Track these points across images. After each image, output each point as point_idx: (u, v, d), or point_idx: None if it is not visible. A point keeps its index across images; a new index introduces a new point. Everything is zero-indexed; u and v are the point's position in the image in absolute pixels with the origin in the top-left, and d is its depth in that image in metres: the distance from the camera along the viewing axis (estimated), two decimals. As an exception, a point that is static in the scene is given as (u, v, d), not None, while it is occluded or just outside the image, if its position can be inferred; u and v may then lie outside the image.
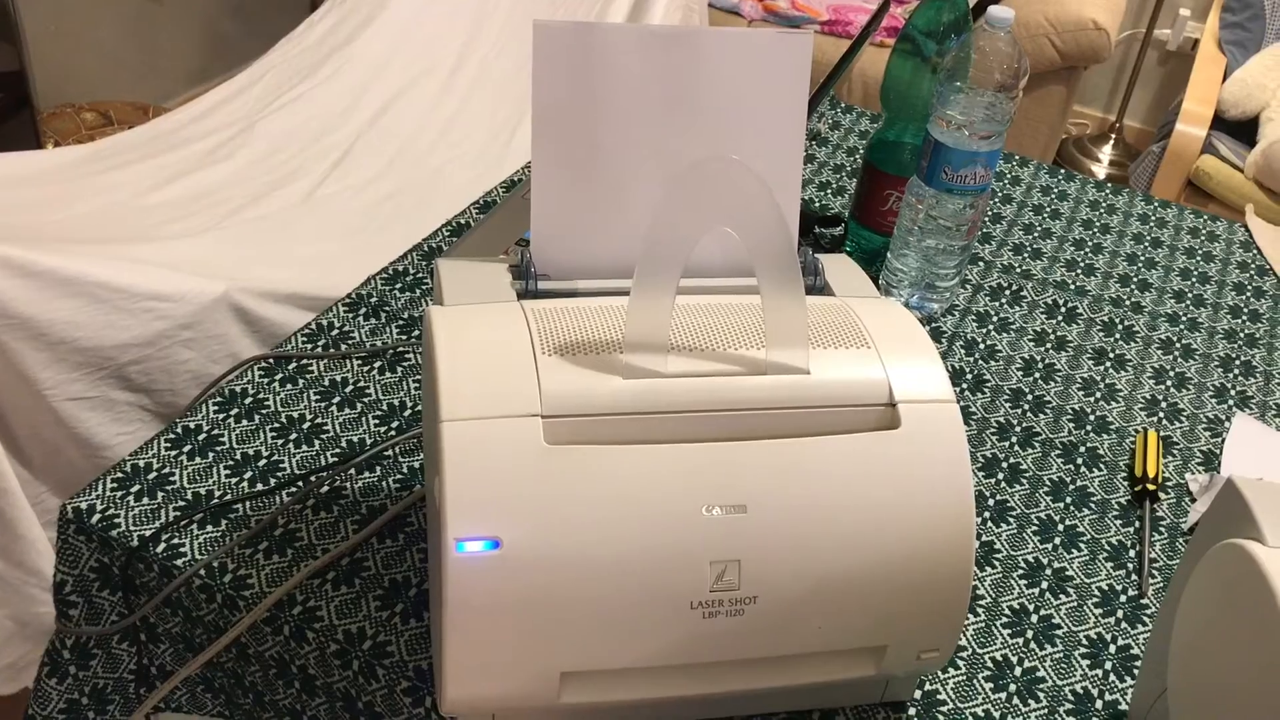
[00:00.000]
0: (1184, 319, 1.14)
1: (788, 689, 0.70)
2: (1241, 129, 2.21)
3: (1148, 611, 0.81)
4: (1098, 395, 1.02)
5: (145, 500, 0.79)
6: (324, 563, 0.76)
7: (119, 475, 0.81)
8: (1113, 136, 2.96)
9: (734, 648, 0.63)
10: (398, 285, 1.03)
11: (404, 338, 0.97)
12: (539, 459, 0.60)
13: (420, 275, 1.05)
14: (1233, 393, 1.04)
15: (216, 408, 0.88)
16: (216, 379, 0.92)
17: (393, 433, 0.87)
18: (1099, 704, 0.75)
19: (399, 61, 1.74)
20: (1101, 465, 0.94)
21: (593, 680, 0.62)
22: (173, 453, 0.83)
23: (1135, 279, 1.19)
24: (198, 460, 0.83)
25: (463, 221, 1.13)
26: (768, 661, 0.65)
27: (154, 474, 0.81)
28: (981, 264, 1.18)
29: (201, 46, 2.82)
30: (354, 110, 1.66)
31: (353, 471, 0.84)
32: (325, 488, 0.82)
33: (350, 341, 0.96)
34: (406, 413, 0.89)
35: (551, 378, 0.62)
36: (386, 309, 1.00)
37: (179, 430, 0.85)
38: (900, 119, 1.09)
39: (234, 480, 0.82)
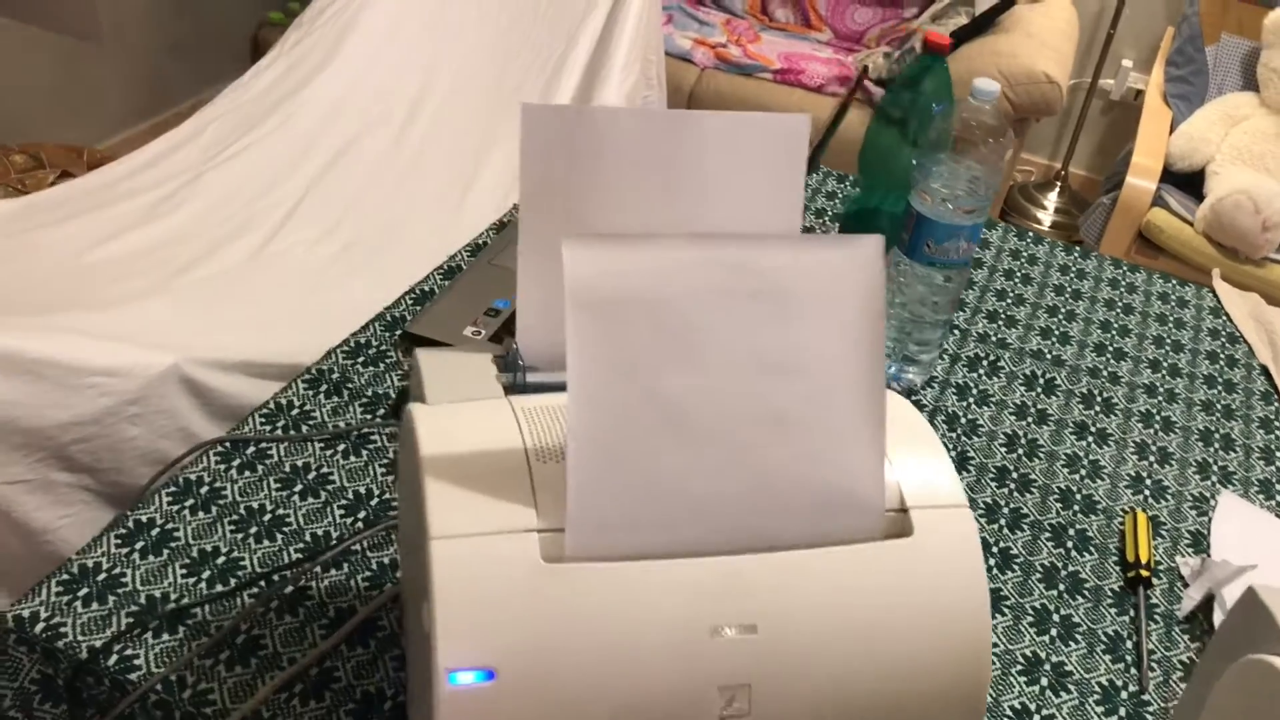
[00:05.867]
0: (1161, 390, 1.12)
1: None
2: (1189, 182, 2.23)
3: (1149, 709, 0.79)
4: (1082, 473, 0.99)
5: (94, 605, 0.74)
6: (291, 674, 0.70)
7: (65, 578, 0.75)
8: (1058, 184, 2.99)
9: (742, 777, 0.59)
10: (360, 359, 0.98)
11: (369, 417, 0.92)
12: (536, 579, 0.56)
13: (384, 348, 1.00)
14: (1215, 468, 1.03)
15: (170, 498, 0.82)
16: (169, 465, 0.86)
17: (359, 524, 0.82)
18: (1108, 813, 0.72)
19: (350, 111, 1.69)
20: (1092, 549, 0.92)
21: (593, 817, 0.58)
22: (124, 550, 0.78)
23: (1110, 348, 1.18)
24: (151, 558, 0.77)
25: (426, 288, 1.09)
26: (777, 789, 0.61)
27: (104, 575, 0.76)
28: (957, 332, 1.16)
29: (137, 85, 2.74)
30: (305, 160, 1.61)
31: (318, 569, 0.78)
32: (289, 588, 0.77)
33: (311, 422, 0.91)
34: (374, 501, 0.84)
35: (548, 488, 0.58)
36: (349, 386, 0.95)
37: (130, 525, 0.79)
38: (879, 187, 1.07)
39: (191, 580, 0.76)
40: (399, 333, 1.02)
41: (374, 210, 1.57)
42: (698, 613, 0.58)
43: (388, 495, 0.85)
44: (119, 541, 0.78)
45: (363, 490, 0.85)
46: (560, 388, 0.67)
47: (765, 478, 0.60)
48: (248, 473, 0.85)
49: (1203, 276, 1.91)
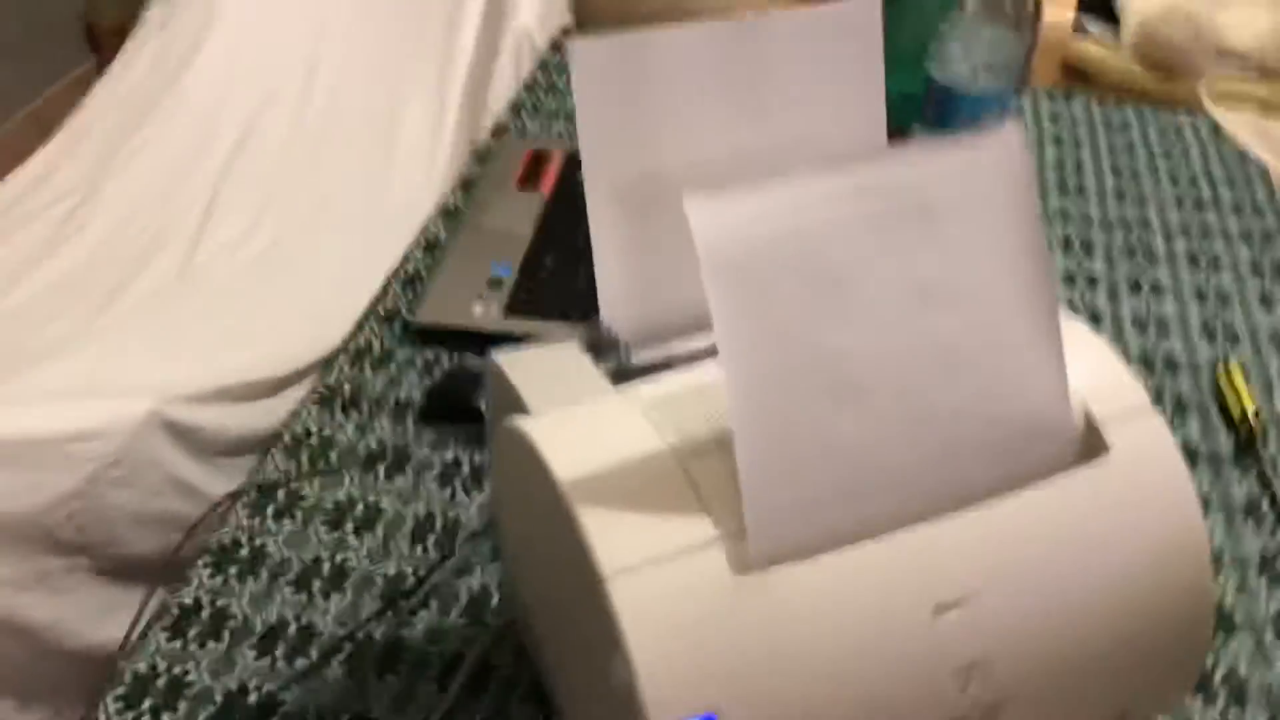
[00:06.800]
0: (1194, 228, 1.07)
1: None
2: (1100, 5, 2.18)
3: (1314, 570, 0.74)
4: (1152, 332, 0.94)
5: (165, 717, 0.63)
6: (418, 746, 0.61)
7: (121, 691, 0.64)
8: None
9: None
10: (367, 364, 0.87)
11: (400, 428, 0.82)
12: (733, 596, 0.48)
13: (388, 345, 0.89)
14: (1278, 298, 0.98)
15: (210, 570, 0.71)
16: (192, 526, 0.75)
17: (432, 554, 0.72)
18: (1316, 693, 0.67)
19: (242, 87, 1.53)
20: (1191, 412, 0.86)
21: None
22: (177, 644, 0.67)
23: (1129, 194, 1.12)
24: (211, 645, 0.67)
25: (410, 269, 0.97)
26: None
27: (164, 678, 0.65)
28: (975, 207, 1.08)
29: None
30: (206, 151, 1.45)
31: (408, 616, 0.68)
32: (379, 646, 0.67)
33: (339, 448, 0.80)
34: (438, 524, 0.74)
35: (712, 488, 0.50)
36: (366, 397, 0.84)
37: (174, 612, 0.68)
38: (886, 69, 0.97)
39: (266, 662, 0.66)
40: (399, 324, 0.90)
41: (296, 191, 1.43)
42: (915, 593, 0.50)
43: (450, 512, 0.75)
44: (168, 634, 0.67)
45: (421, 513, 0.75)
46: (669, 365, 0.58)
47: (947, 424, 0.52)
48: (287, 521, 0.74)
49: (1141, 101, 1.88)
